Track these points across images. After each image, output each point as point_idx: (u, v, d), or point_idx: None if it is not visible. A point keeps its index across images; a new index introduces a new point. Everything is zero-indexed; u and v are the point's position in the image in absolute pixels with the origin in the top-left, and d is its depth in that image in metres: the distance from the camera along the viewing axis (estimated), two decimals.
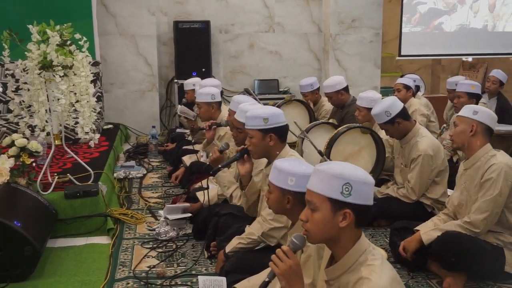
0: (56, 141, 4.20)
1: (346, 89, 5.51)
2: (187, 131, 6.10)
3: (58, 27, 4.04)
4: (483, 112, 3.22)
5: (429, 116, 5.79)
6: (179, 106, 5.81)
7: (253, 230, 3.12)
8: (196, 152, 5.04)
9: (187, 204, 4.14)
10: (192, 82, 5.91)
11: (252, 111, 3.17)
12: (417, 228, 3.42)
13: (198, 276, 3.04)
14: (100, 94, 6.66)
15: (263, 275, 2.62)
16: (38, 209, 3.76)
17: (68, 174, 4.34)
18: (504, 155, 3.19)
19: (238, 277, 2.85)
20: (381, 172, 4.41)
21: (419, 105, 5.71)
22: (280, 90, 7.97)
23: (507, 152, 3.90)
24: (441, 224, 3.34)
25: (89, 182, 4.31)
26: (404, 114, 3.97)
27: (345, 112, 5.43)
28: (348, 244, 1.86)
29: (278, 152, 3.11)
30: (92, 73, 4.33)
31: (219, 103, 4.82)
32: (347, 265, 1.86)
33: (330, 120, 5.01)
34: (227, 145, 3.68)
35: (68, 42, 4.06)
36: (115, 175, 5.32)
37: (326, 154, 4.09)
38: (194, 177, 4.64)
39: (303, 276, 1.97)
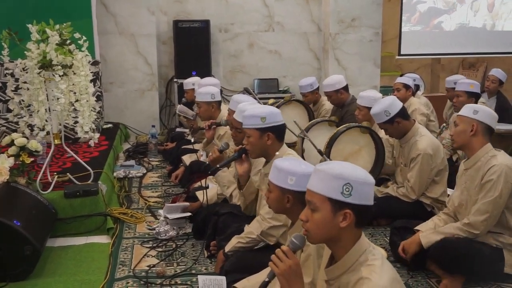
0: (56, 141, 4.20)
1: (345, 88, 5.51)
2: (187, 130, 6.10)
3: (57, 26, 4.04)
4: (484, 111, 3.21)
5: (429, 115, 5.79)
6: (179, 105, 5.81)
7: (252, 229, 3.12)
8: (195, 151, 5.04)
9: (187, 204, 4.14)
10: (191, 82, 5.91)
11: (249, 110, 3.18)
12: (417, 228, 3.42)
13: (198, 276, 3.04)
14: (99, 94, 6.66)
15: (262, 275, 2.62)
16: (37, 208, 3.75)
17: (67, 174, 4.34)
18: (505, 155, 3.18)
19: (238, 277, 2.85)
20: (381, 171, 4.41)
21: (418, 104, 5.71)
22: (279, 89, 7.97)
23: (507, 151, 3.90)
24: (441, 224, 3.34)
25: (89, 182, 4.31)
26: (403, 114, 3.97)
27: (344, 111, 5.43)
28: (348, 244, 1.86)
29: (276, 151, 3.11)
30: (91, 72, 4.33)
31: (219, 103, 4.82)
32: (347, 265, 1.86)
33: (332, 118, 5.01)
34: (227, 144, 3.68)
35: (68, 42, 4.06)
36: (114, 174, 5.32)
37: (326, 154, 4.09)
38: (194, 177, 4.64)
39: (303, 275, 1.97)
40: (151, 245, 3.81)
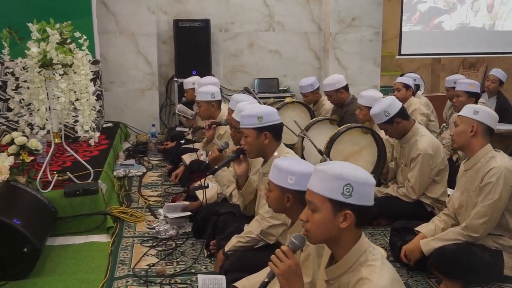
0: (56, 139, 4.20)
1: (345, 88, 5.51)
2: (187, 129, 6.10)
3: (58, 25, 4.04)
4: (484, 112, 3.19)
5: (429, 115, 5.79)
6: (178, 105, 5.81)
7: (252, 229, 3.12)
8: (195, 150, 5.04)
9: (187, 203, 4.14)
10: (192, 81, 5.91)
11: (246, 110, 3.19)
12: (417, 228, 3.41)
13: (198, 275, 3.04)
14: (100, 93, 6.66)
15: (262, 274, 2.62)
16: (37, 207, 3.76)
17: (67, 172, 4.34)
18: (504, 157, 3.16)
19: (237, 276, 2.85)
20: (382, 172, 4.41)
21: (419, 104, 5.71)
22: (280, 89, 7.97)
23: (507, 151, 3.89)
24: (441, 226, 3.34)
25: (89, 181, 4.31)
26: (403, 114, 3.97)
27: (344, 111, 5.43)
28: (348, 244, 1.86)
29: (273, 151, 3.12)
30: (92, 71, 4.33)
31: (219, 102, 4.82)
32: (347, 265, 1.86)
33: (333, 117, 5.01)
34: (227, 144, 3.69)
35: (68, 41, 4.05)
36: (114, 173, 5.32)
37: (326, 153, 4.09)
38: (193, 176, 4.64)
39: (303, 275, 1.97)
40: (150, 244, 3.81)
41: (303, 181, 2.25)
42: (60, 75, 3.93)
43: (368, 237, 2.63)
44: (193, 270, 3.41)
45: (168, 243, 3.84)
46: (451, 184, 3.80)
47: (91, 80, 4.23)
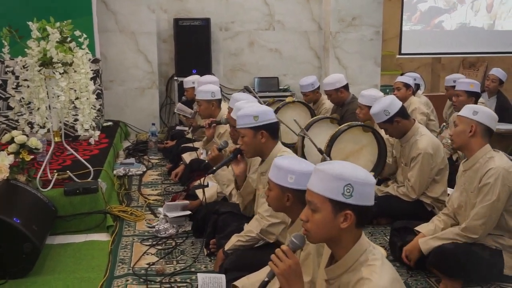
0: (56, 138, 4.20)
1: (345, 87, 5.51)
2: (187, 128, 6.10)
3: (58, 24, 4.04)
4: (483, 112, 3.19)
5: (429, 114, 5.79)
6: (178, 104, 5.81)
7: (252, 228, 3.13)
8: (195, 149, 5.04)
9: (187, 202, 4.14)
10: (192, 80, 5.91)
11: (242, 110, 3.20)
12: (417, 228, 3.42)
13: (198, 274, 3.04)
14: (100, 91, 6.65)
15: (262, 273, 2.62)
16: (37, 206, 3.76)
17: (67, 171, 4.35)
18: (502, 158, 3.15)
19: (237, 275, 2.84)
20: (382, 171, 4.41)
21: (419, 103, 5.70)
22: (280, 88, 7.97)
23: (507, 151, 3.89)
24: (441, 226, 3.34)
25: (89, 179, 4.31)
26: (403, 113, 3.97)
27: (344, 110, 5.43)
28: (348, 244, 1.86)
29: (270, 150, 3.13)
30: (92, 70, 4.33)
31: (219, 101, 4.81)
32: (347, 264, 1.86)
33: (333, 115, 5.01)
34: (226, 143, 3.69)
35: (68, 39, 4.05)
36: (114, 172, 5.32)
37: (326, 152, 4.09)
38: (193, 175, 4.64)
39: (303, 274, 1.97)
40: (150, 243, 3.81)
41: (303, 180, 2.25)
42: (60, 73, 3.93)
43: (368, 237, 2.63)
44: (193, 269, 3.41)
45: (168, 242, 3.84)
46: (451, 183, 3.80)
47: (91, 78, 4.24)
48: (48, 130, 4.16)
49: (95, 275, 3.35)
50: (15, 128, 4.68)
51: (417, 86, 6.24)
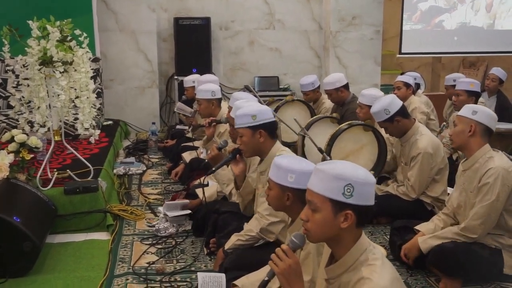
0: (56, 137, 4.20)
1: (346, 86, 5.50)
2: (187, 127, 6.10)
3: (58, 23, 4.04)
4: (483, 112, 3.18)
5: (429, 114, 5.78)
6: (177, 103, 5.81)
7: (251, 227, 3.13)
8: (195, 148, 5.04)
9: (187, 201, 4.14)
10: (192, 79, 5.91)
11: (240, 110, 3.20)
12: (417, 227, 3.42)
13: (198, 273, 3.04)
14: (100, 90, 6.66)
15: (262, 272, 2.62)
16: (37, 204, 3.76)
17: (67, 170, 4.35)
18: (502, 157, 3.15)
19: (237, 274, 2.84)
20: (382, 170, 4.41)
21: (419, 103, 5.70)
22: (280, 87, 7.96)
23: (507, 150, 3.89)
24: (440, 225, 3.34)
25: (89, 178, 4.31)
26: (403, 112, 3.97)
27: (345, 110, 5.43)
28: (348, 244, 1.86)
29: (269, 149, 3.13)
30: (92, 69, 4.33)
31: (219, 100, 4.81)
32: (347, 264, 1.86)
33: (333, 115, 5.01)
34: (226, 142, 3.69)
35: (68, 38, 4.05)
36: (114, 171, 5.32)
37: (327, 152, 4.09)
38: (193, 174, 4.64)
39: (303, 273, 1.97)
40: (150, 242, 3.81)
41: (303, 179, 2.25)
42: (60, 72, 3.93)
43: (368, 236, 2.63)
44: (193, 268, 3.41)
45: (168, 241, 3.84)
46: (451, 183, 3.80)
47: (91, 77, 4.24)
48: (48, 129, 4.16)
49: (95, 274, 3.35)
50: (15, 127, 4.67)
51: (417, 86, 6.23)
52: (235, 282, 2.76)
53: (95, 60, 6.43)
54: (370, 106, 4.34)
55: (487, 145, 3.18)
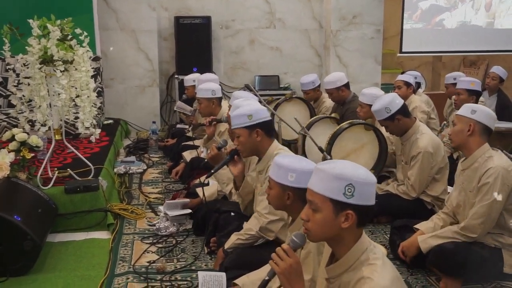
0: (57, 136, 4.21)
1: (346, 85, 5.50)
2: (187, 126, 6.10)
3: (58, 21, 4.04)
4: (482, 111, 3.18)
5: (430, 113, 5.78)
6: (178, 102, 5.81)
7: (251, 226, 3.13)
8: (196, 147, 5.04)
9: (187, 200, 4.15)
10: (192, 78, 5.90)
11: (235, 111, 3.20)
12: (416, 226, 3.42)
13: (198, 272, 3.04)
14: (100, 89, 6.66)
15: (262, 271, 2.62)
16: (38, 203, 3.76)
17: (68, 169, 4.34)
18: (501, 157, 3.15)
19: (237, 273, 2.85)
20: (383, 169, 4.41)
21: (419, 102, 5.69)
22: (280, 86, 7.96)
23: (507, 149, 3.89)
24: (440, 224, 3.34)
25: (90, 177, 4.31)
26: (404, 111, 3.97)
27: (345, 109, 5.42)
28: (349, 243, 1.86)
29: (266, 148, 3.14)
30: (92, 68, 4.33)
31: (220, 99, 4.81)
32: (348, 263, 1.86)
33: (333, 115, 5.01)
34: (225, 142, 3.68)
35: (69, 37, 4.05)
36: (115, 170, 5.32)
37: (327, 151, 4.09)
38: (194, 173, 4.64)
39: (303, 272, 1.97)
40: (151, 241, 3.81)
41: (303, 178, 2.25)
42: (61, 71, 3.93)
43: (368, 235, 2.63)
44: (193, 267, 3.41)
45: (168, 240, 3.84)
46: (451, 182, 3.79)
47: (92, 76, 4.24)
48: (49, 128, 4.16)
49: (96, 273, 3.35)
50: (16, 126, 4.68)
51: (418, 85, 6.22)
52: (236, 281, 2.76)
53: (96, 59, 6.43)
54: (370, 105, 4.34)
55: (486, 144, 3.18)
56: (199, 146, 5.00)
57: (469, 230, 3.11)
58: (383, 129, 4.31)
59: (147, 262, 3.49)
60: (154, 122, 6.84)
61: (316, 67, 8.07)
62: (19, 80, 4.11)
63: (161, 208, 4.21)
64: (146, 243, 3.78)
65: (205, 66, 7.20)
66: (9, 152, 3.91)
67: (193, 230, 3.94)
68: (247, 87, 5.94)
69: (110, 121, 6.96)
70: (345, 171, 1.80)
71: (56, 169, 4.34)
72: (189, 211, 4.07)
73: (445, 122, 5.81)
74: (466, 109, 3.22)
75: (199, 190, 4.02)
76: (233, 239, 3.17)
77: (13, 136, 4.02)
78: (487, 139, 3.19)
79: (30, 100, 4.12)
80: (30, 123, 4.21)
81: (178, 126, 6.71)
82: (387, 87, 7.67)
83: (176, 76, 7.40)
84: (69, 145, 4.40)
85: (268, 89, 7.69)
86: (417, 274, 3.34)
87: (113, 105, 7.30)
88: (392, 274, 1.81)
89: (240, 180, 3.31)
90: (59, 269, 3.43)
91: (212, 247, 3.56)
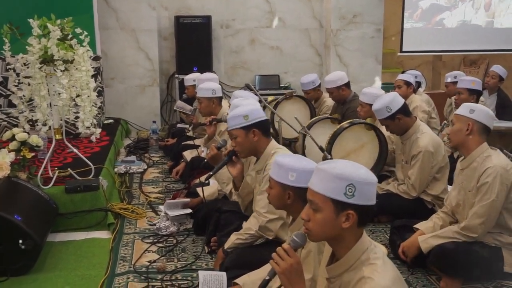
0: (57, 136, 4.21)
1: (347, 84, 5.50)
2: (188, 126, 6.10)
3: (59, 21, 4.04)
4: (480, 110, 3.18)
5: (430, 112, 5.78)
6: (178, 101, 5.81)
7: (250, 225, 3.13)
8: (196, 147, 5.04)
9: (187, 200, 4.15)
10: (192, 78, 5.91)
11: (231, 113, 3.21)
12: (416, 226, 3.42)
13: (198, 271, 3.04)
14: (100, 89, 6.66)
15: (263, 271, 2.63)
16: (38, 203, 3.76)
17: (68, 169, 4.34)
18: (499, 156, 3.15)
19: (238, 273, 2.85)
20: (383, 168, 4.41)
21: (420, 101, 5.69)
22: (281, 85, 7.96)
23: (508, 149, 3.88)
24: (440, 223, 3.34)
25: (90, 177, 4.31)
26: (404, 110, 3.97)
27: (346, 108, 5.42)
28: (350, 243, 1.85)
29: (264, 147, 3.14)
30: (92, 67, 4.33)
31: (220, 98, 4.81)
32: (349, 263, 1.86)
33: (334, 115, 5.01)
34: (225, 142, 3.68)
35: (69, 37, 4.05)
36: (115, 170, 5.32)
37: (327, 150, 4.08)
38: (194, 172, 4.64)
39: (304, 272, 1.97)
40: (151, 241, 3.82)
41: (304, 177, 2.25)
42: (61, 71, 3.93)
43: (368, 234, 2.63)
44: (194, 267, 3.42)
45: (169, 239, 3.84)
46: (452, 181, 3.80)
47: (92, 76, 4.24)
48: (49, 128, 4.16)
49: (96, 273, 3.35)
50: (16, 126, 4.68)
51: (418, 84, 6.22)
52: (236, 280, 2.76)
53: (96, 58, 6.44)
54: (371, 105, 4.34)
55: (484, 143, 3.18)
56: (199, 146, 4.99)
57: (470, 230, 3.11)
58: (383, 129, 4.31)
59: (148, 261, 3.49)
60: (154, 122, 6.84)
61: (316, 67, 8.07)
62: (20, 80, 4.11)
63: (161, 207, 4.22)
64: (147, 243, 3.78)
65: (205, 65, 7.20)
66: (9, 151, 3.91)
67: (194, 229, 3.94)
68: (247, 87, 5.91)
69: (111, 120, 6.97)
70: (346, 171, 1.80)
71: (56, 168, 4.34)
72: (190, 210, 4.07)
73: (445, 121, 5.81)
74: (464, 109, 3.22)
75: (199, 190, 4.02)
76: (233, 239, 3.17)
77: (14, 135, 4.03)
78: (485, 138, 3.19)
79: (31, 100, 4.12)
80: (30, 123, 4.21)
81: (179, 125, 6.71)
82: (387, 87, 7.67)
83: (176, 75, 7.40)
84: (69, 145, 4.40)
85: (268, 89, 7.68)
86: (418, 274, 3.34)
87: (113, 105, 7.30)
88: (392, 273, 1.81)
89: (239, 180, 3.31)
90: (59, 268, 3.43)
91: (212, 247, 3.56)
